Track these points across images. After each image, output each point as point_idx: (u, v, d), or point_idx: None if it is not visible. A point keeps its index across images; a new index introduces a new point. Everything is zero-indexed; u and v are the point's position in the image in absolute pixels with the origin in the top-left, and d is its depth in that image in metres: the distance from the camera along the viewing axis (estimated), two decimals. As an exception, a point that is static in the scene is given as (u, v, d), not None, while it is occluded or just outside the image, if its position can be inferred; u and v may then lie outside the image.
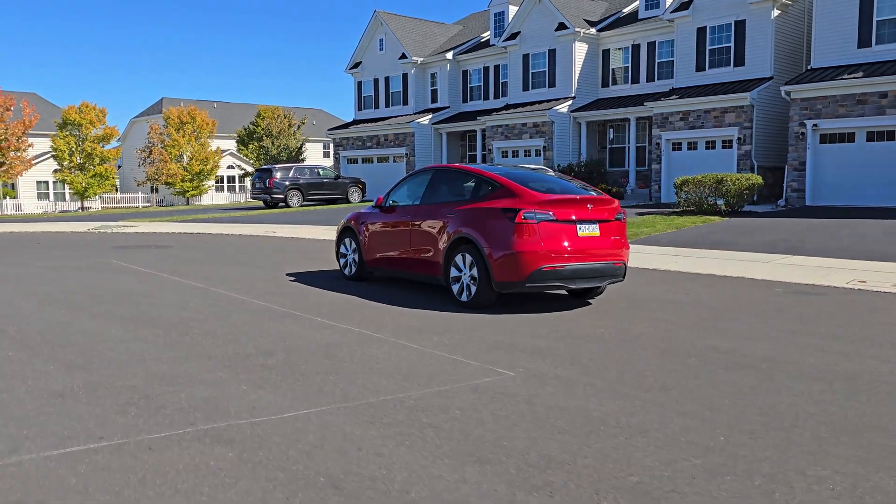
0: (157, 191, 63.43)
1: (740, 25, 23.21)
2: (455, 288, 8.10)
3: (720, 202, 18.54)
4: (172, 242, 16.44)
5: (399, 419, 4.01)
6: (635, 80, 27.86)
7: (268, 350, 5.67)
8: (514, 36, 30.16)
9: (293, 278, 9.98)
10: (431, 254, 8.55)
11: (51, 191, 52.79)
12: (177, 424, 3.91)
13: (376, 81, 37.60)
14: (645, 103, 25.06)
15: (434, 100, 35.50)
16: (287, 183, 30.36)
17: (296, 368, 5.11)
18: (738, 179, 18.64)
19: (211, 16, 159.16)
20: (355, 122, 38.67)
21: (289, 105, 58.34)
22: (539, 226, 7.54)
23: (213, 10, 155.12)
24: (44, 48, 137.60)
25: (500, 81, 32.97)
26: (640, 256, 11.78)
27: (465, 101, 34.85)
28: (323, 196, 31.61)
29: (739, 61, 23.38)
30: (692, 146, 24.11)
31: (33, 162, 43.46)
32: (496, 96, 33.18)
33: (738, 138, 22.56)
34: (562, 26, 28.14)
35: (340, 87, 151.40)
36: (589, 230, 7.77)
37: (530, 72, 29.98)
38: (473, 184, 8.64)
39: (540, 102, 29.23)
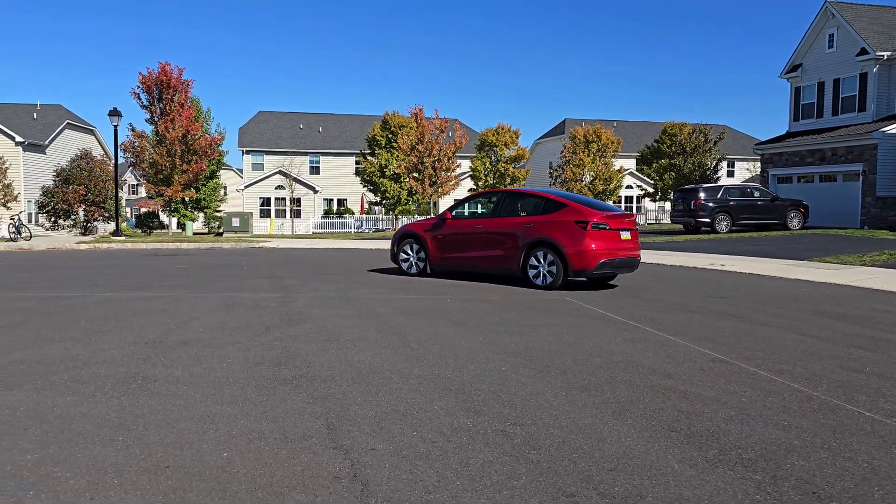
0: (554, 210, 64.41)
1: None
2: (534, 277, 11.32)
3: None
4: (615, 274, 14.14)
5: None
6: None
7: None
8: None
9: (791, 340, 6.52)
10: (508, 253, 11.69)
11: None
12: None
13: (821, 85, 31.63)
14: None
15: (904, 103, 28.37)
16: (714, 205, 26.59)
17: None
18: None
19: (609, 39, 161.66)
20: (789, 135, 33.11)
21: (686, 121, 54.04)
22: (601, 232, 11.10)
23: (609, 32, 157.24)
24: (463, 78, 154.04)
25: None
26: None
27: (951, 102, 27.13)
28: (756, 221, 27.08)
29: None
30: None
31: (459, 181, 46.55)
32: None
33: None
34: None
35: (745, 101, 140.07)
36: (626, 235, 11.50)
37: None
38: (542, 203, 11.83)
39: None
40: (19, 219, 33.05)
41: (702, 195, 26.74)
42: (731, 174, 66.07)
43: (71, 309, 8.66)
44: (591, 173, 51.36)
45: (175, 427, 4.19)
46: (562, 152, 50.92)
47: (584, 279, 11.81)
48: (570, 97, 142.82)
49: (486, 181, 50.68)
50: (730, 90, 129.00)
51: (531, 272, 11.42)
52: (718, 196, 26.88)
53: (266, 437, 4.04)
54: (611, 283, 12.25)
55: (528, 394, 5.05)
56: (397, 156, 46.43)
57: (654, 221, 63.46)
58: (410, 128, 45.31)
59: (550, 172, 52.09)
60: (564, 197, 12.02)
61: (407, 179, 42.43)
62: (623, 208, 64.38)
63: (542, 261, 11.31)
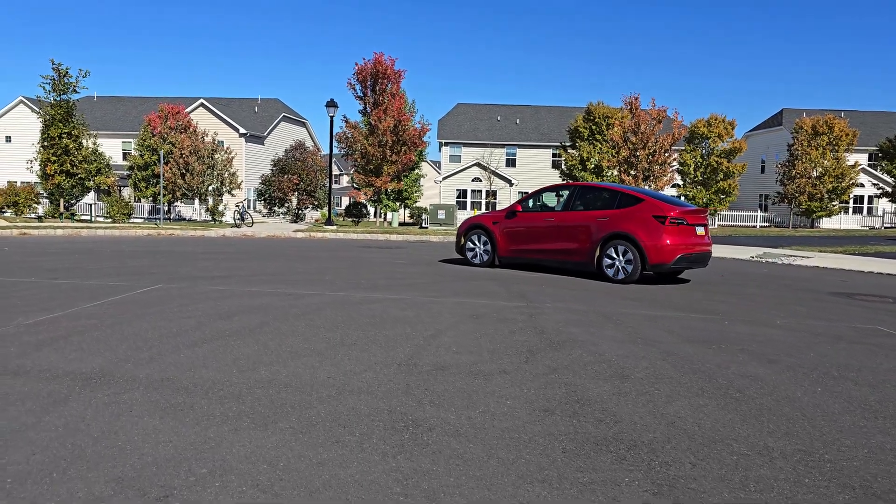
0: (765, 209, 58.60)
1: None
2: (609, 270, 11.68)
3: None
4: (914, 295, 11.50)
5: None
6: None
7: None
8: None
9: None
10: (582, 246, 12.04)
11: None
12: None
13: None
14: None
15: None
16: None
17: None
18: None
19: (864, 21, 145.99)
20: None
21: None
22: (678, 227, 11.45)
23: (832, 11, 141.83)
24: (668, 69, 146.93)
25: None
26: None
27: None
28: None
29: None
30: None
31: (674, 177, 43.52)
32: None
33: None
34: None
35: None
36: (700, 230, 11.85)
37: None
38: (618, 197, 12.11)
39: None
40: (244, 206, 35.20)
41: None
42: None
43: (308, 311, 7.99)
44: (819, 169, 45.92)
45: (486, 524, 2.97)
46: (791, 145, 45.94)
47: (653, 273, 12.30)
48: (787, 86, 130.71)
49: (695, 176, 46.99)
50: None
51: (606, 265, 11.76)
52: None
53: (625, 564, 2.69)
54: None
55: None
56: (600, 148, 44.25)
57: (890, 225, 55.90)
58: (616, 119, 42.92)
59: (778, 167, 47.19)
60: (640, 192, 12.31)
61: (616, 172, 40.05)
62: (852, 208, 57.32)
63: (618, 255, 11.65)
